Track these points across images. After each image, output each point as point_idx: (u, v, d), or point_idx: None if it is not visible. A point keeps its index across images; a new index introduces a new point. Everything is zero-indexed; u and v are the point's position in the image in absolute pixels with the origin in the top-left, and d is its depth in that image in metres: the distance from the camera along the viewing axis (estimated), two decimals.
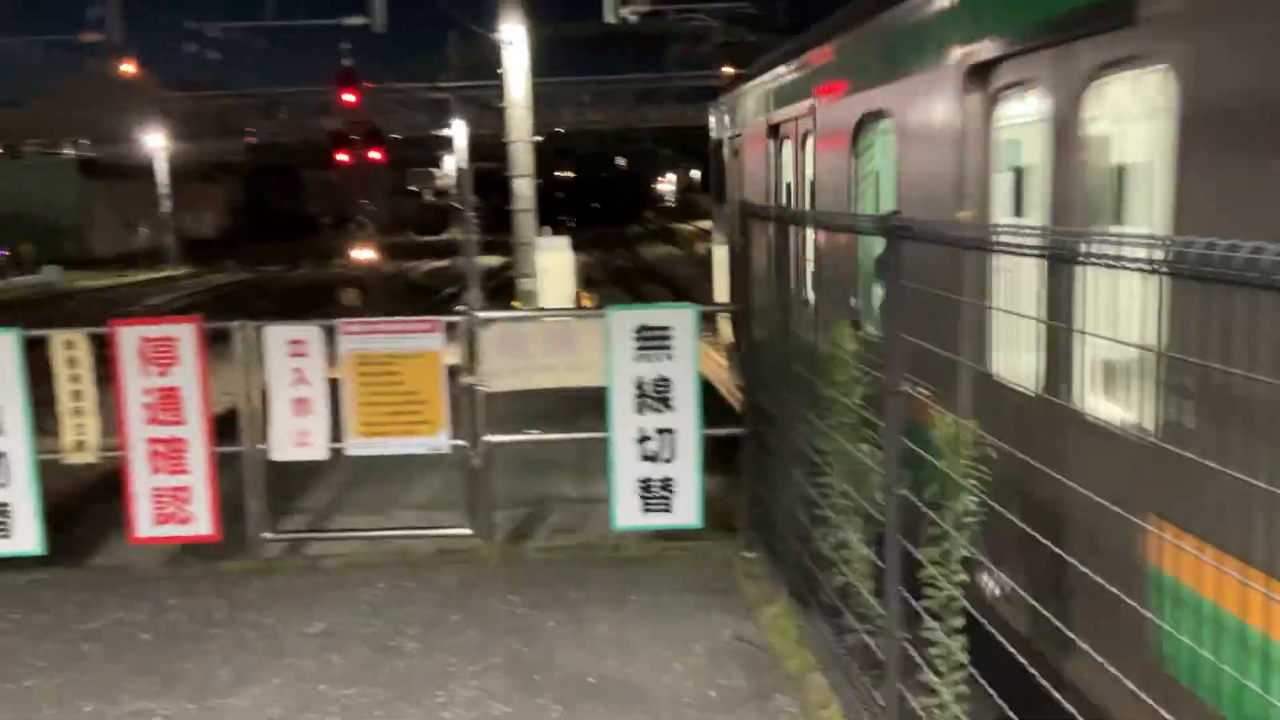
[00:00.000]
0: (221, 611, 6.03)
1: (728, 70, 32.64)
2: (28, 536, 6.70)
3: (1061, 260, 2.72)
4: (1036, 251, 2.73)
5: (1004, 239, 2.87)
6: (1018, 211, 4.54)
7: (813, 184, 7.53)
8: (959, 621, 3.84)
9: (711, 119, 13.23)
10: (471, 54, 57.63)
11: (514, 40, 15.94)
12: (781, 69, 8.62)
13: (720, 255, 12.38)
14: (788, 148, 8.47)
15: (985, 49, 4.45)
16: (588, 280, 27.04)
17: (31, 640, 5.70)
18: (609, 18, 19.70)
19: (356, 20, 19.89)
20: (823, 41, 7.30)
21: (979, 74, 4.52)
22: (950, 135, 4.70)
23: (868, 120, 6.20)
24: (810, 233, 5.24)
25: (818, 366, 5.06)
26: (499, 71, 16.54)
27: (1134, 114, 3.65)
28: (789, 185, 8.46)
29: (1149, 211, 3.48)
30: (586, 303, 22.66)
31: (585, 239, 41.19)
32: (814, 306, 5.36)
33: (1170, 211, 3.16)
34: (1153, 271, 2.25)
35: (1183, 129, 3.09)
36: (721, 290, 12.02)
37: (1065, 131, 3.93)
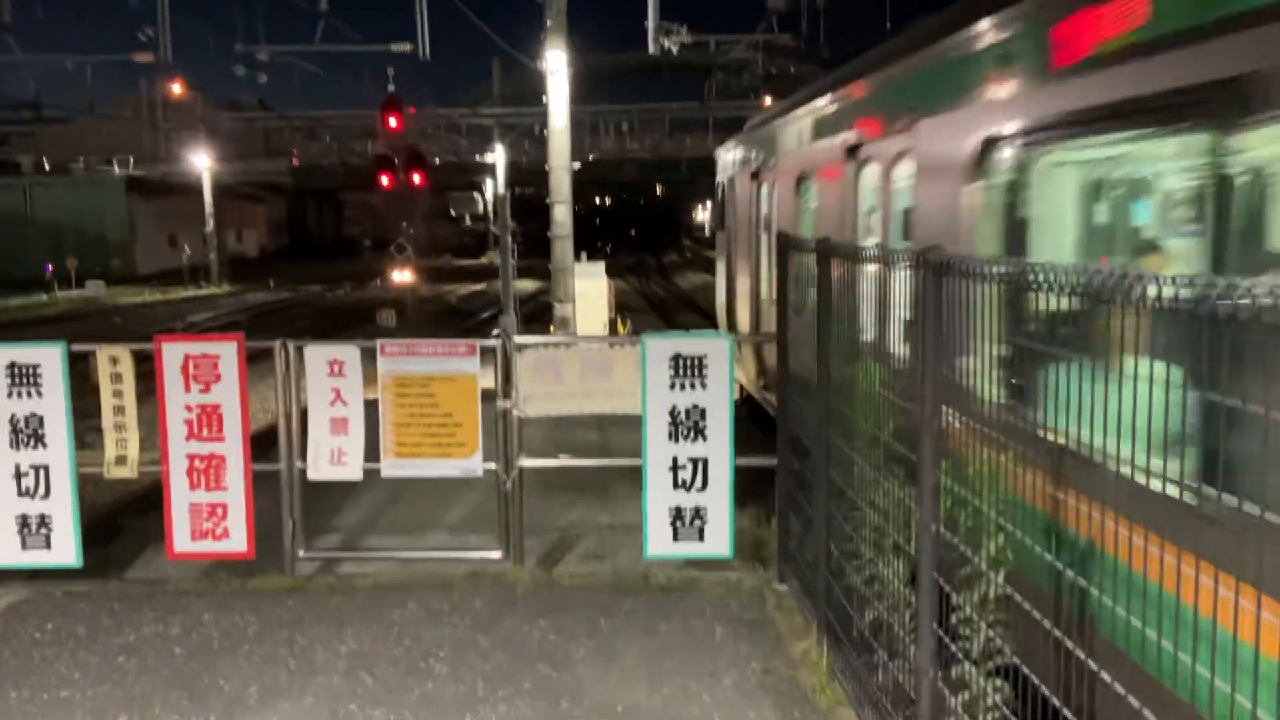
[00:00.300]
0: (254, 628, 6.07)
1: (766, 101, 32.87)
2: (66, 548, 6.79)
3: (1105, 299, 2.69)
4: (1085, 290, 2.71)
5: (1054, 277, 2.86)
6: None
7: (767, 217, 10.90)
8: (995, 663, 3.82)
9: (718, 163, 16.24)
10: (513, 82, 58.29)
11: (557, 69, 16.07)
12: (759, 133, 11.92)
13: (720, 270, 15.50)
14: (764, 189, 11.40)
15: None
16: (622, 307, 27.08)
17: (68, 651, 5.76)
18: (652, 48, 19.91)
19: (404, 47, 20.13)
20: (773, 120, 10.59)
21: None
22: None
23: (804, 175, 9.13)
24: (847, 266, 5.22)
25: (853, 399, 5.05)
26: (543, 99, 16.66)
27: None
28: (764, 217, 11.24)
29: None
30: (622, 329, 22.73)
31: (621, 266, 41.42)
32: (847, 338, 5.34)
33: None
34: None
35: None
36: (721, 300, 15.12)
37: None
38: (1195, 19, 3.55)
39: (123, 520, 9.40)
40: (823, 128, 8.55)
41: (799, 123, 9.61)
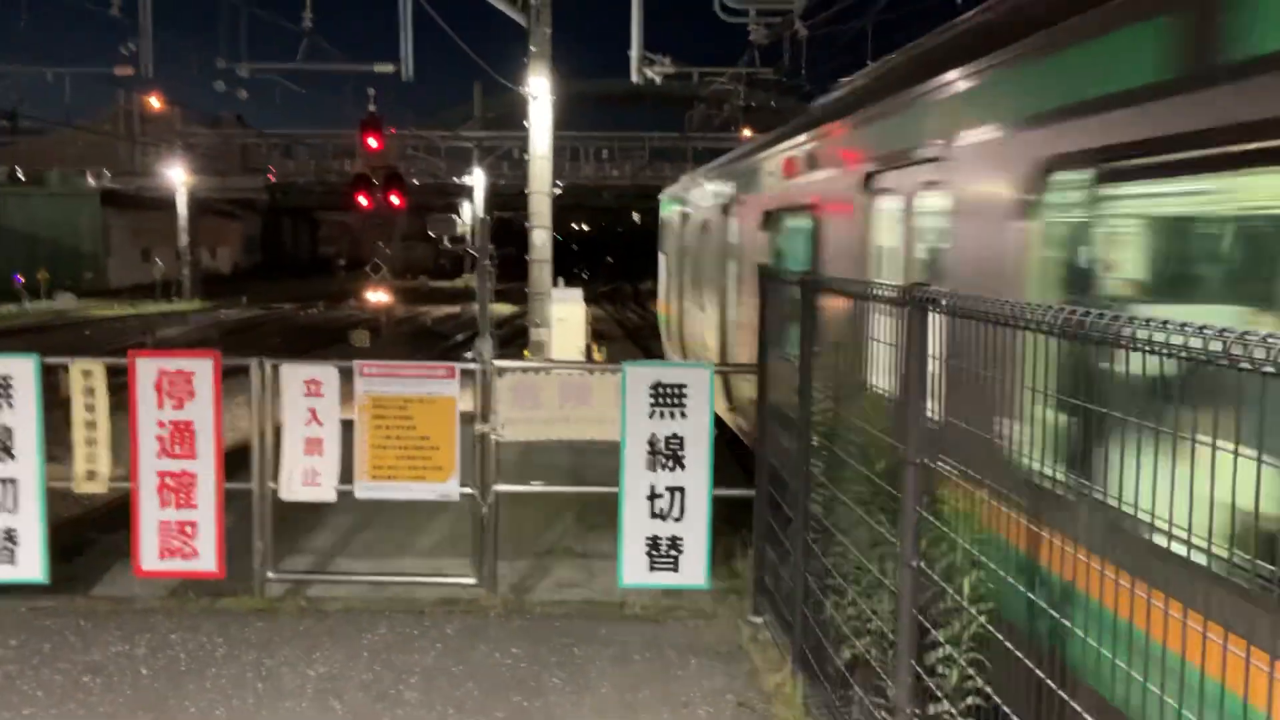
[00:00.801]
0: (222, 649, 5.98)
1: (744, 133, 33.10)
2: (32, 564, 6.69)
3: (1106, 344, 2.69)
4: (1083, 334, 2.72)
5: (1039, 317, 2.87)
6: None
7: (739, 249, 11.04)
8: (970, 701, 3.82)
9: (664, 202, 18.69)
10: (494, 105, 58.40)
11: (540, 95, 16.11)
12: (734, 169, 12.29)
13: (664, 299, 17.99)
14: (735, 223, 11.59)
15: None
16: (597, 334, 27.09)
17: (31, 669, 5.66)
18: (635, 77, 19.97)
19: (387, 67, 20.13)
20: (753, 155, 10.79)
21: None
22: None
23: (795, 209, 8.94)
24: (830, 299, 5.24)
25: (834, 433, 5.05)
26: (524, 123, 16.69)
27: None
28: (736, 248, 11.37)
29: None
30: (597, 356, 22.71)
31: (598, 292, 41.45)
32: (826, 371, 5.35)
33: None
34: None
35: None
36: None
37: None
38: None
39: (88, 534, 9.26)
40: (824, 160, 8.07)
41: (792, 153, 9.15)
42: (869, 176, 6.49)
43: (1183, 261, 4.21)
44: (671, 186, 17.03)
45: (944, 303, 3.60)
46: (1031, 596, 3.35)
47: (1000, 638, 3.37)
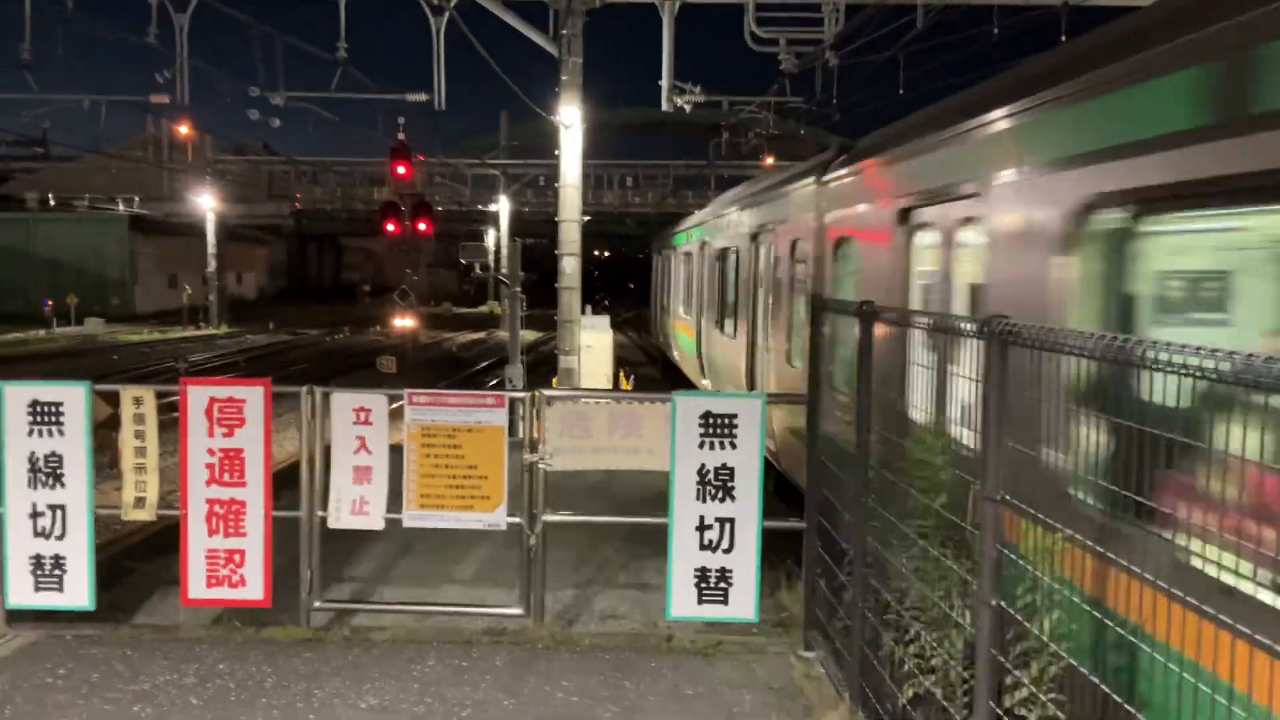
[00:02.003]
0: (271, 679, 5.93)
1: (767, 161, 33.13)
2: (79, 591, 6.68)
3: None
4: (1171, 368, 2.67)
5: (1135, 353, 2.81)
6: None
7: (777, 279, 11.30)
8: None
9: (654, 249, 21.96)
10: (519, 134, 58.71)
11: (571, 124, 16.18)
12: (768, 196, 12.64)
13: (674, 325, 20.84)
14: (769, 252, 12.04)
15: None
16: (620, 360, 27.07)
17: (82, 698, 5.62)
18: (665, 105, 20.02)
19: (419, 96, 20.28)
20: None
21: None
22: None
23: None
24: (893, 330, 5.19)
25: (897, 467, 4.98)
26: (551, 153, 16.77)
27: None
28: (773, 278, 11.67)
29: None
30: (625, 384, 22.68)
31: (622, 319, 41.50)
32: (886, 402, 5.29)
33: None
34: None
35: None
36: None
37: None
38: None
39: (124, 563, 9.25)
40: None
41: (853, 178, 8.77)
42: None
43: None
44: (683, 222, 17.87)
45: (1026, 336, 3.54)
46: (1120, 636, 3.27)
47: (1092, 677, 3.28)
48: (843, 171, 8.90)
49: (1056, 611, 3.78)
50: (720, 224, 16.49)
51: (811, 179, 9.96)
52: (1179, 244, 4.42)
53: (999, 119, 5.50)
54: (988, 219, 5.47)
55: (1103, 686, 3.21)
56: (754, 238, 12.82)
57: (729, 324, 15.09)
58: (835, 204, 9.04)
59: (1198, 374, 2.56)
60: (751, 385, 12.51)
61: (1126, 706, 3.08)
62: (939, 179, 6.36)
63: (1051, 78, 5.05)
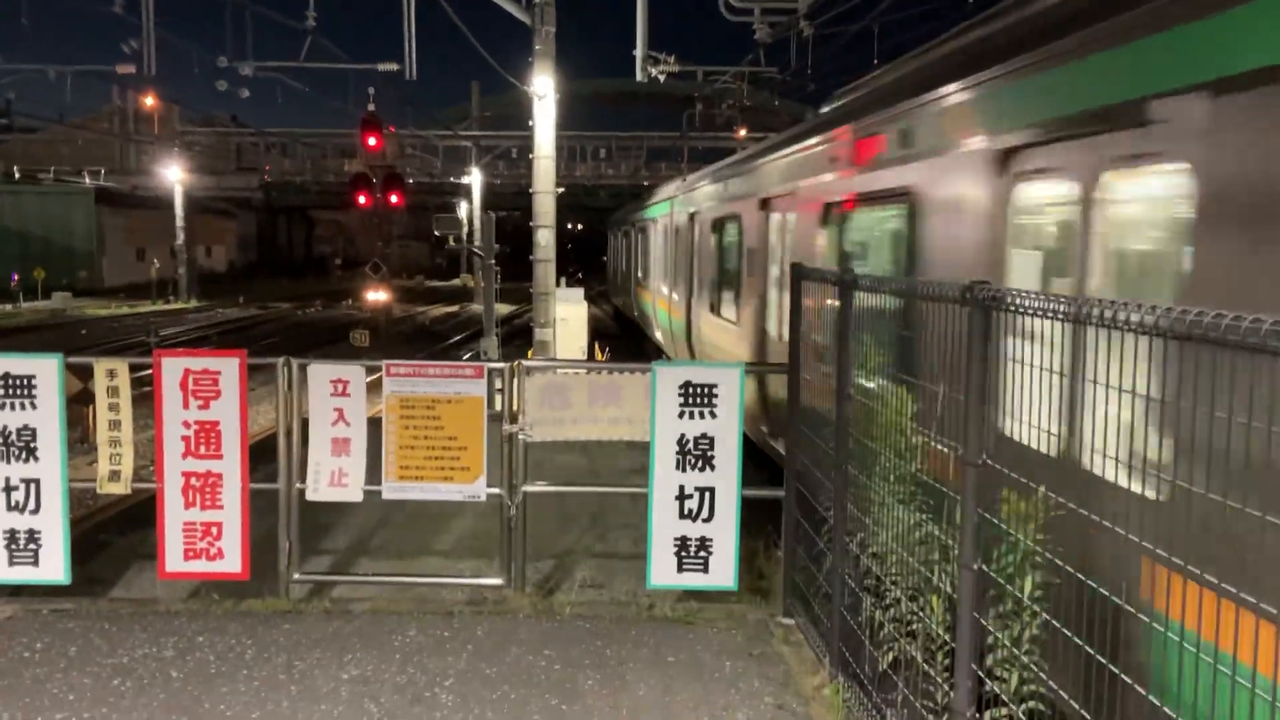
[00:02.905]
0: (251, 651, 5.92)
1: (741, 133, 33.08)
2: (54, 565, 6.62)
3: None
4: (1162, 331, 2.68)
5: (1121, 316, 2.83)
6: None
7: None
8: (1028, 708, 3.78)
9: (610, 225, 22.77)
10: (491, 105, 58.31)
11: (545, 94, 16.06)
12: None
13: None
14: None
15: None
16: (595, 332, 27.06)
17: (60, 672, 5.59)
18: (639, 76, 19.90)
19: (390, 66, 20.06)
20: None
21: None
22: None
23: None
24: (873, 298, 5.18)
25: (877, 434, 5.00)
26: (528, 124, 16.63)
27: None
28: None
29: None
30: (600, 356, 22.67)
31: (595, 292, 41.40)
32: (865, 370, 5.30)
33: None
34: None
35: None
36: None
37: None
38: None
39: (100, 536, 9.20)
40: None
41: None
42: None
43: None
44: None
45: (1010, 301, 3.55)
46: (1100, 594, 3.31)
47: (1072, 636, 3.32)
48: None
49: (1036, 573, 3.81)
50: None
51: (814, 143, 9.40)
52: None
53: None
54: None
55: (1078, 641, 3.24)
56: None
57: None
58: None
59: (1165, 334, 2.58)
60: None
61: (1110, 666, 3.12)
62: None
63: None
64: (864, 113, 7.75)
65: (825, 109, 10.68)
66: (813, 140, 9.06)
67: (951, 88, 5.87)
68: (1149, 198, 4.30)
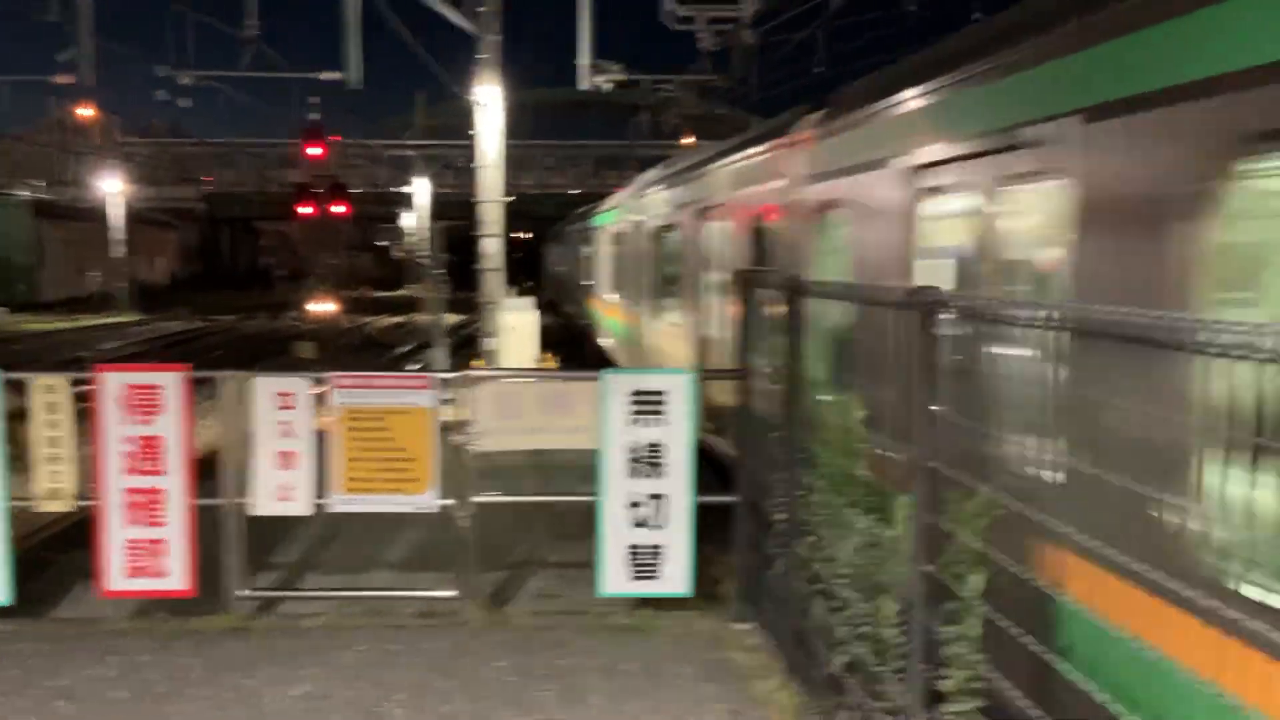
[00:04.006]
0: (198, 670, 5.82)
1: (688, 141, 33.11)
2: None
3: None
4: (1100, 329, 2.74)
5: (1059, 316, 2.89)
6: None
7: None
8: (977, 703, 3.82)
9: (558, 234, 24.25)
10: (438, 114, 57.96)
11: (489, 102, 16.01)
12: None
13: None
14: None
15: None
16: (545, 342, 26.97)
17: (2, 696, 5.46)
18: (583, 85, 19.90)
19: (333, 75, 19.88)
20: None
21: None
22: None
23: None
24: (820, 303, 5.25)
25: (826, 437, 5.04)
26: (470, 133, 16.58)
27: None
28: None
29: None
30: (550, 364, 22.59)
31: (544, 300, 41.27)
32: (814, 374, 5.36)
33: None
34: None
35: None
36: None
37: None
38: None
39: (42, 554, 8.99)
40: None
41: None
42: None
43: None
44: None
45: (955, 305, 3.60)
46: (1042, 593, 3.37)
47: (1020, 632, 3.37)
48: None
49: (982, 572, 3.86)
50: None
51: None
52: None
53: None
54: None
55: (1026, 638, 3.29)
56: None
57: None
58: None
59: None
60: None
61: (1048, 658, 3.17)
62: None
63: None
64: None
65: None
66: (754, 150, 9.29)
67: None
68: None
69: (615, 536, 6.56)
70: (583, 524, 8.09)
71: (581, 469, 6.74)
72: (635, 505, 6.54)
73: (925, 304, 3.78)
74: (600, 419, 6.45)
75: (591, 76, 19.94)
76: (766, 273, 6.68)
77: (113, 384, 6.44)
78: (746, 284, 6.44)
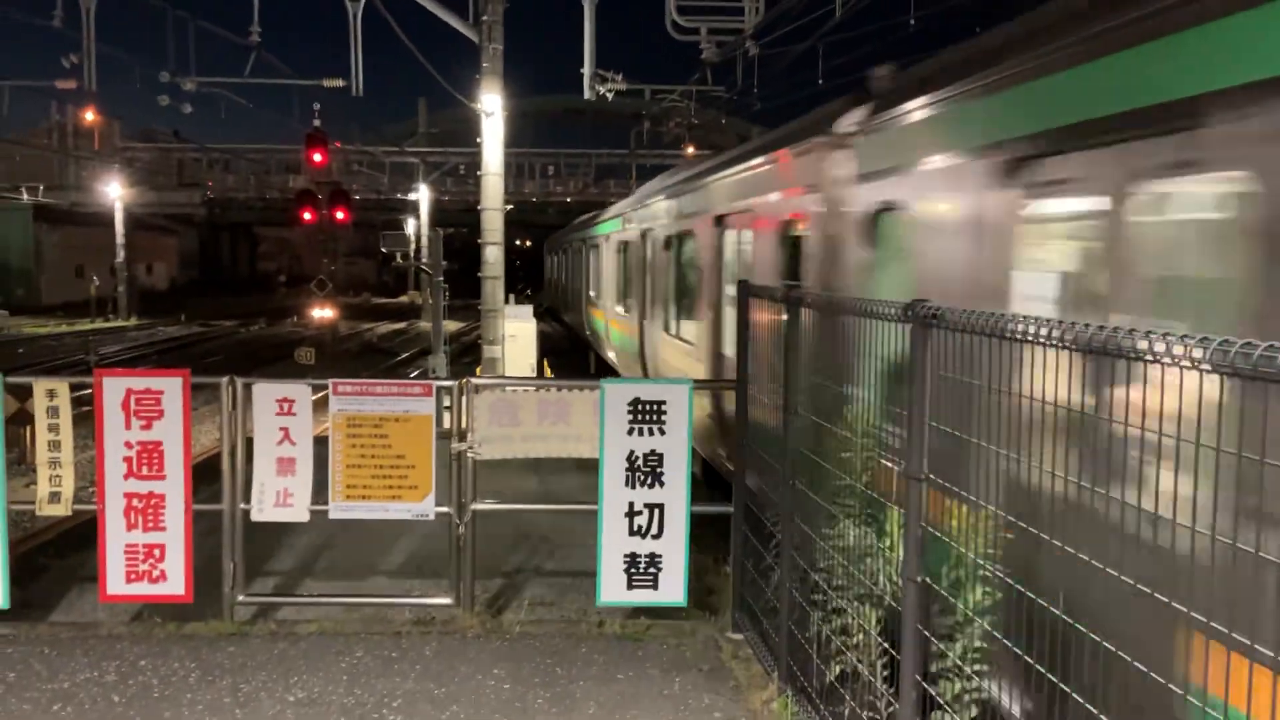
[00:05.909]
0: (195, 675, 5.84)
1: (689, 151, 33.22)
2: None
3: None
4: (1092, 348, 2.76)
5: (1055, 333, 2.90)
6: None
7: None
8: (972, 714, 3.85)
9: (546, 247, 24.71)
10: (438, 121, 58.08)
11: (492, 110, 16.07)
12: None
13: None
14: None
15: None
16: (545, 350, 27.04)
17: None
18: (587, 94, 19.97)
19: (336, 82, 19.95)
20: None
21: None
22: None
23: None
24: (819, 315, 5.25)
25: (824, 449, 5.07)
26: (471, 141, 16.63)
27: None
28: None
29: None
30: (548, 373, 22.63)
31: (542, 308, 41.34)
32: (817, 388, 5.36)
33: None
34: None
35: None
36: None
37: None
38: None
39: (38, 559, 9.00)
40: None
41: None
42: None
43: None
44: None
45: (948, 319, 3.62)
46: (1040, 606, 3.38)
47: (1014, 648, 3.38)
48: None
49: (977, 586, 3.88)
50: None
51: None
52: None
53: None
54: None
55: (1018, 652, 3.31)
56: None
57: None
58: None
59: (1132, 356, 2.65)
60: None
61: (1048, 675, 3.18)
62: None
63: None
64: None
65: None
66: (787, 150, 8.77)
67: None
68: None
69: (613, 546, 6.57)
70: (575, 533, 8.14)
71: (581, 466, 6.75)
72: (633, 514, 6.56)
73: (920, 317, 3.81)
74: (599, 428, 6.48)
75: (595, 85, 20.01)
76: (764, 285, 6.70)
77: (113, 388, 6.46)
78: (744, 295, 6.47)
